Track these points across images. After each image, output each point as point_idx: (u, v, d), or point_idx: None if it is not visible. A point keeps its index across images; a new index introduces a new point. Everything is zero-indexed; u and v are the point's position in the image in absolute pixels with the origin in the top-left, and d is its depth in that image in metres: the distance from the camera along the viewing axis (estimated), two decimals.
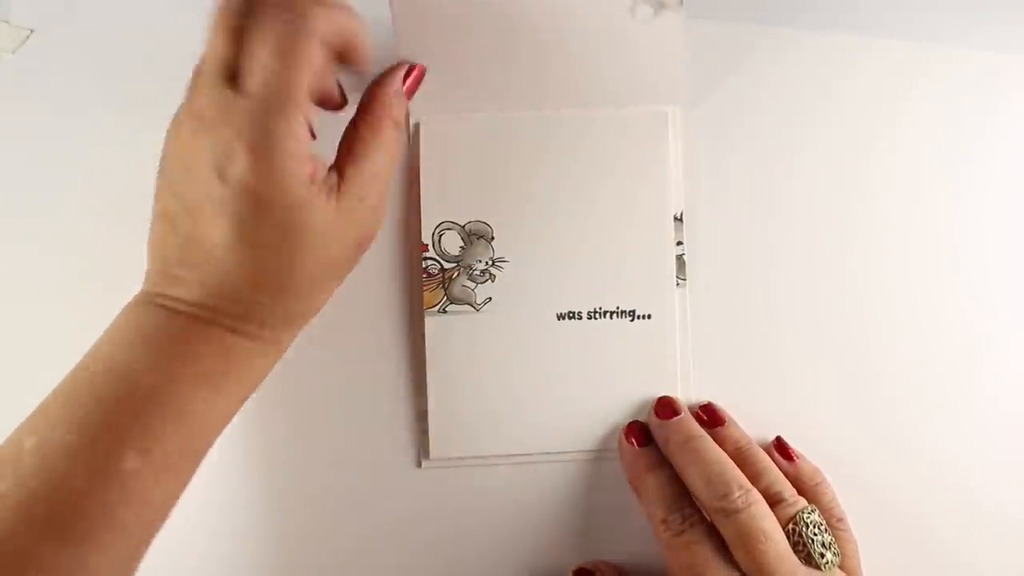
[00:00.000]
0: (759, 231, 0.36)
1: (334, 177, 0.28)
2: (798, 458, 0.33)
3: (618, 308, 0.35)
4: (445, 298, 0.35)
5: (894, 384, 0.35)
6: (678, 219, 0.35)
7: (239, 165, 0.26)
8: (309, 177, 0.27)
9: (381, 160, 0.29)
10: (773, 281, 0.36)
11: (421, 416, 0.35)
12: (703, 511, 0.30)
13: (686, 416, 0.33)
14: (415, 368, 0.35)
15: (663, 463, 0.32)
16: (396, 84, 0.31)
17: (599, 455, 0.34)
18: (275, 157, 0.26)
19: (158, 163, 0.29)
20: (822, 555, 0.29)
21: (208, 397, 0.27)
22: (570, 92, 0.35)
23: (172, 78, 0.38)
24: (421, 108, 0.36)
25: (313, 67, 0.27)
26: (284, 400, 0.35)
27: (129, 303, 0.28)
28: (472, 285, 0.35)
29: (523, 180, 0.35)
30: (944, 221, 0.36)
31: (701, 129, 0.36)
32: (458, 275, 0.35)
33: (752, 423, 0.34)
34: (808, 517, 0.30)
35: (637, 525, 0.34)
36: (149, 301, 0.28)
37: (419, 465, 0.35)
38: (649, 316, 0.35)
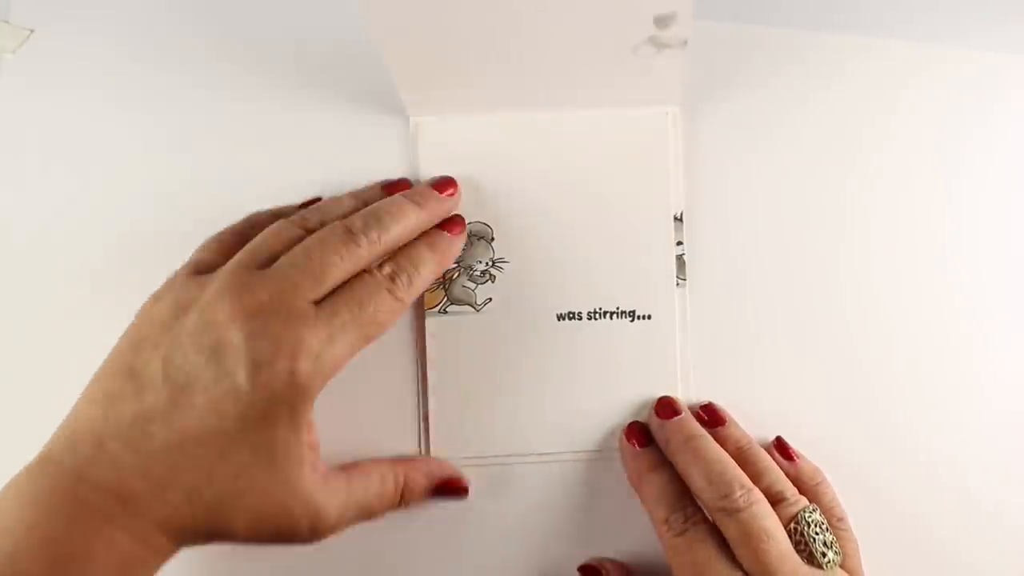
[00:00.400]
0: (759, 231, 0.36)
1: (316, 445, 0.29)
2: (798, 458, 0.33)
3: (618, 308, 0.35)
4: (445, 299, 0.35)
5: (893, 384, 0.35)
6: (678, 219, 0.35)
7: (278, 369, 0.26)
8: (313, 448, 0.28)
9: (372, 507, 0.31)
10: (773, 281, 0.36)
11: (422, 416, 0.35)
12: (705, 511, 0.30)
13: (687, 416, 0.33)
14: (416, 369, 0.35)
15: (664, 463, 0.32)
16: (427, 478, 0.33)
17: (600, 455, 0.34)
18: (313, 387, 0.27)
19: (151, 313, 0.29)
20: (824, 554, 0.29)
21: None
22: (570, 93, 0.35)
23: (172, 78, 0.38)
24: (421, 108, 0.36)
25: (384, 326, 0.30)
26: None
27: (33, 477, 0.26)
28: (472, 286, 0.35)
29: (523, 181, 0.35)
30: (944, 221, 0.36)
31: (701, 129, 0.36)
32: (458, 276, 0.35)
33: (752, 423, 0.34)
34: (810, 516, 0.30)
35: (638, 525, 0.34)
36: (63, 486, 0.25)
37: None
38: (649, 316, 0.35)
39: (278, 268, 0.28)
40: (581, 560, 0.34)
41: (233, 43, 0.38)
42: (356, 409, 0.35)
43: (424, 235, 0.32)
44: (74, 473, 0.26)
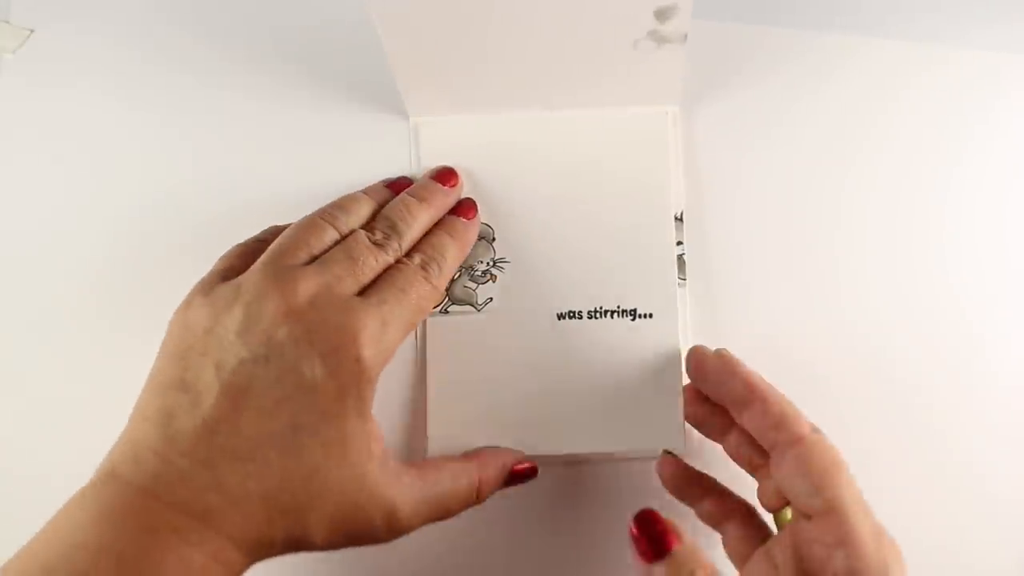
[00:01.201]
0: (759, 231, 0.36)
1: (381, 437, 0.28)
2: None
3: (619, 308, 0.35)
4: (447, 299, 0.35)
5: (896, 381, 0.35)
6: (678, 219, 0.35)
7: (346, 355, 0.27)
8: (379, 441, 0.28)
9: (447, 505, 0.30)
10: (773, 281, 0.36)
11: (422, 416, 0.35)
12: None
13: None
14: (416, 368, 0.35)
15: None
16: (500, 471, 0.32)
17: (600, 456, 0.34)
18: (376, 373, 0.28)
19: (195, 324, 0.27)
20: None
21: None
22: (570, 92, 0.35)
23: (172, 78, 0.38)
24: (421, 108, 0.36)
25: (425, 312, 0.32)
26: None
27: (100, 493, 0.25)
28: (473, 286, 0.35)
29: (523, 180, 0.35)
30: (944, 220, 0.36)
31: (701, 129, 0.37)
32: (459, 276, 0.35)
33: None
34: None
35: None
36: (134, 503, 0.24)
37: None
38: (650, 315, 0.35)
39: (320, 263, 0.28)
40: (582, 560, 0.34)
41: (233, 43, 0.38)
42: None
43: (442, 223, 0.33)
44: (143, 490, 0.24)
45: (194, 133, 0.37)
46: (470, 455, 0.32)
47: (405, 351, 0.35)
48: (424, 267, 0.31)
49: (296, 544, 0.26)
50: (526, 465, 0.33)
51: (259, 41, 0.38)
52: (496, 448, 0.33)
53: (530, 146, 0.35)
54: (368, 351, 0.27)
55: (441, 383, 0.34)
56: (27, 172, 0.37)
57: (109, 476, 0.25)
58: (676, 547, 0.26)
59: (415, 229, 0.32)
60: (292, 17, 0.38)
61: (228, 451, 0.25)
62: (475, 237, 0.35)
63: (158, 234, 0.36)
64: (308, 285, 0.27)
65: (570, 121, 0.35)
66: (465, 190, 0.35)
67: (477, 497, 0.31)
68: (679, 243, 0.35)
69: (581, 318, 0.35)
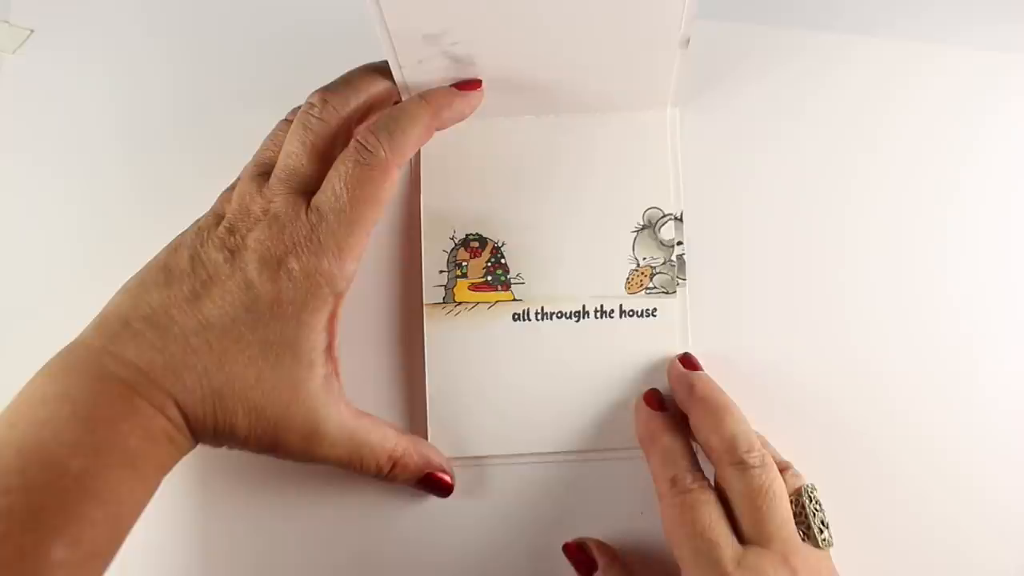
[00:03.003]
0: (759, 231, 0.36)
1: (335, 369, 0.31)
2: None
3: (620, 307, 0.35)
4: (454, 303, 0.35)
5: (895, 382, 0.35)
6: (678, 219, 0.35)
7: (291, 266, 0.28)
8: (328, 320, 0.29)
9: (363, 456, 0.31)
10: (773, 281, 0.36)
11: (421, 416, 0.35)
12: (716, 468, 0.30)
13: (707, 374, 0.33)
14: (416, 368, 0.35)
15: (676, 428, 0.32)
16: (421, 461, 0.32)
17: (600, 455, 0.34)
18: (317, 282, 0.29)
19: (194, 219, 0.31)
20: (821, 531, 0.29)
21: (130, 481, 0.26)
22: (570, 96, 0.35)
23: (172, 78, 0.38)
24: None
25: (379, 202, 0.30)
26: None
27: (62, 357, 0.28)
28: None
29: (523, 182, 0.35)
30: (945, 219, 0.36)
31: (701, 129, 0.36)
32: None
33: (752, 422, 0.34)
34: (813, 492, 0.30)
35: (637, 525, 0.34)
36: (89, 358, 0.27)
37: None
38: (652, 314, 0.35)
39: (272, 176, 0.30)
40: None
41: (234, 43, 0.38)
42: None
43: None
44: (101, 349, 0.28)
45: (194, 133, 0.37)
46: (407, 435, 0.33)
47: (406, 349, 0.35)
48: (363, 146, 0.30)
49: (226, 433, 0.29)
50: (446, 478, 0.33)
51: (260, 41, 0.38)
52: (431, 446, 0.33)
53: (531, 149, 0.35)
54: (297, 264, 0.28)
55: (439, 383, 0.34)
56: (27, 172, 0.37)
57: (73, 343, 0.28)
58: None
59: (362, 93, 0.32)
60: (294, 18, 0.38)
61: (180, 326, 0.28)
62: (463, 111, 0.32)
63: (159, 234, 0.36)
64: (262, 201, 0.29)
65: (570, 125, 0.35)
66: (466, 192, 0.35)
67: (388, 473, 0.31)
68: (679, 243, 0.35)
69: (583, 319, 0.35)
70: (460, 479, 0.34)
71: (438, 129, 0.32)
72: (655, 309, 0.35)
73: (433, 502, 0.34)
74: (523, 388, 0.34)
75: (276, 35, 0.38)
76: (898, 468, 0.35)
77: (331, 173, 0.29)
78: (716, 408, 0.31)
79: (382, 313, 0.35)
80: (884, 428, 0.35)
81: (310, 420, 0.29)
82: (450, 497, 0.34)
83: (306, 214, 0.29)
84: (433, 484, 0.33)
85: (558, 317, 0.35)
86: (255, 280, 0.28)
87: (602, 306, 0.35)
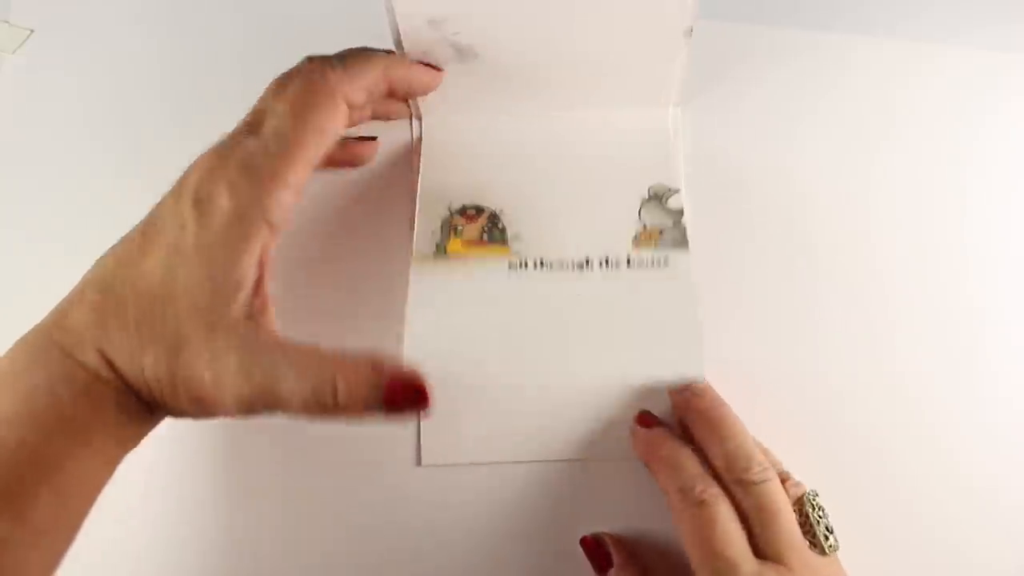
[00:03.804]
0: (760, 231, 0.36)
1: (262, 306, 0.27)
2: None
3: (628, 258, 0.35)
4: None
5: (898, 379, 0.35)
6: (680, 220, 0.35)
7: (218, 200, 0.27)
8: (260, 252, 0.27)
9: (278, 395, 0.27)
10: (774, 280, 0.36)
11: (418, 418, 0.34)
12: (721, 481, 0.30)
13: (708, 387, 0.33)
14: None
15: (678, 439, 0.32)
16: (368, 388, 0.27)
17: (599, 455, 0.34)
18: (249, 213, 0.27)
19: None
20: (826, 537, 0.29)
21: (76, 451, 0.25)
22: (572, 92, 0.35)
23: (172, 78, 0.38)
24: (422, 107, 0.36)
25: (323, 131, 0.28)
26: None
27: (17, 341, 0.27)
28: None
29: (524, 171, 0.35)
30: (946, 218, 0.36)
31: (702, 128, 0.36)
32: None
33: (753, 422, 0.34)
34: (815, 500, 0.30)
35: (634, 524, 0.34)
36: (37, 332, 0.27)
37: (419, 463, 0.35)
38: (664, 263, 0.34)
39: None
40: (581, 556, 0.34)
41: (235, 43, 0.38)
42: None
43: None
44: (50, 324, 0.27)
45: (195, 133, 0.37)
46: (340, 360, 0.27)
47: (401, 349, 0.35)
48: (315, 63, 0.29)
49: (148, 384, 0.26)
50: (413, 380, 0.26)
51: (261, 40, 0.38)
52: (376, 359, 0.27)
53: (531, 147, 0.35)
54: (237, 188, 0.27)
55: (438, 382, 0.34)
56: (27, 172, 0.37)
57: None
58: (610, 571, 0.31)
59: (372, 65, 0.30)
60: (294, 18, 0.38)
61: (121, 278, 0.27)
62: (422, 78, 0.32)
63: None
64: (218, 148, 0.28)
65: (572, 121, 0.35)
66: (469, 190, 0.35)
67: (332, 406, 0.26)
68: (681, 230, 0.35)
69: (587, 269, 0.34)
70: (460, 476, 0.34)
71: (391, 94, 0.31)
72: (667, 258, 0.34)
73: (432, 496, 0.34)
74: (521, 348, 0.33)
75: (276, 35, 0.38)
76: (907, 460, 0.35)
77: (277, 94, 0.28)
78: (714, 423, 0.31)
79: (384, 311, 0.35)
80: (893, 423, 0.35)
81: (218, 358, 0.26)
82: (450, 494, 0.34)
83: (246, 136, 0.28)
84: (398, 399, 0.26)
85: (559, 268, 0.33)
86: (187, 213, 0.27)
87: (608, 257, 0.34)
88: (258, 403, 0.26)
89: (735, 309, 0.36)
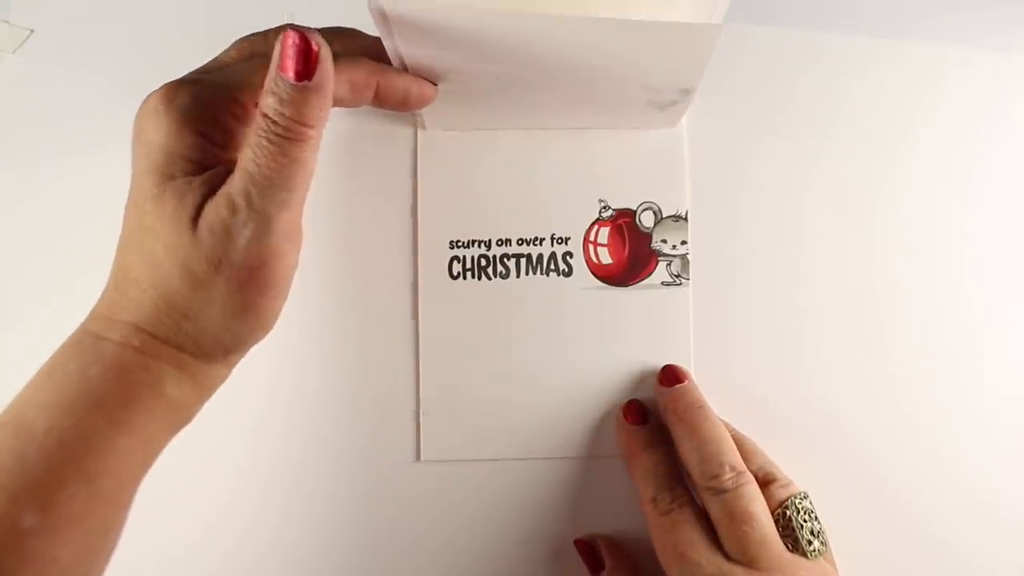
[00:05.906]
0: (762, 231, 0.36)
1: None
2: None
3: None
4: None
5: (896, 381, 0.35)
6: (683, 218, 0.35)
7: (144, 136, 0.28)
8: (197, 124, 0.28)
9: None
10: (776, 281, 0.36)
11: (417, 419, 0.34)
12: (692, 489, 0.31)
13: (689, 385, 0.33)
14: (416, 365, 0.35)
15: (658, 443, 0.32)
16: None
17: (596, 452, 0.34)
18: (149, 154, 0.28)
19: None
20: (810, 542, 0.29)
21: (107, 432, 0.24)
22: (573, 109, 0.35)
23: (172, 78, 0.38)
24: (434, 123, 0.35)
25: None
26: (284, 394, 0.35)
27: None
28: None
29: (526, 193, 0.35)
30: (947, 219, 0.37)
31: (703, 129, 0.37)
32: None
33: (753, 421, 0.34)
34: (800, 503, 0.30)
35: (631, 524, 0.34)
36: (79, 330, 0.26)
37: (418, 458, 0.35)
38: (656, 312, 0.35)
39: None
40: (577, 555, 0.34)
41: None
42: (356, 404, 0.35)
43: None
44: (88, 316, 0.26)
45: None
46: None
47: (407, 348, 0.35)
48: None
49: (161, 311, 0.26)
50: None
51: None
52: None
53: (528, 162, 0.35)
54: (148, 133, 0.28)
55: (435, 385, 0.34)
56: (27, 172, 0.37)
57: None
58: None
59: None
60: (296, 16, 0.38)
61: (131, 255, 0.26)
62: (409, 87, 0.29)
63: None
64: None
65: (576, 138, 0.35)
66: (471, 203, 0.35)
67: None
68: (683, 242, 0.35)
69: (582, 317, 0.35)
70: (459, 471, 0.34)
71: (377, 98, 0.29)
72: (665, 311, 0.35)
73: (431, 492, 0.34)
74: (520, 346, 0.34)
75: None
76: (905, 462, 0.35)
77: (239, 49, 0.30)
78: (688, 427, 0.31)
79: (385, 311, 0.35)
80: (891, 424, 0.35)
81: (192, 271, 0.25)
82: (449, 489, 0.34)
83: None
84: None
85: (560, 317, 0.34)
86: (132, 162, 0.28)
87: (599, 310, 0.35)
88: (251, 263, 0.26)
89: (735, 308, 0.36)
